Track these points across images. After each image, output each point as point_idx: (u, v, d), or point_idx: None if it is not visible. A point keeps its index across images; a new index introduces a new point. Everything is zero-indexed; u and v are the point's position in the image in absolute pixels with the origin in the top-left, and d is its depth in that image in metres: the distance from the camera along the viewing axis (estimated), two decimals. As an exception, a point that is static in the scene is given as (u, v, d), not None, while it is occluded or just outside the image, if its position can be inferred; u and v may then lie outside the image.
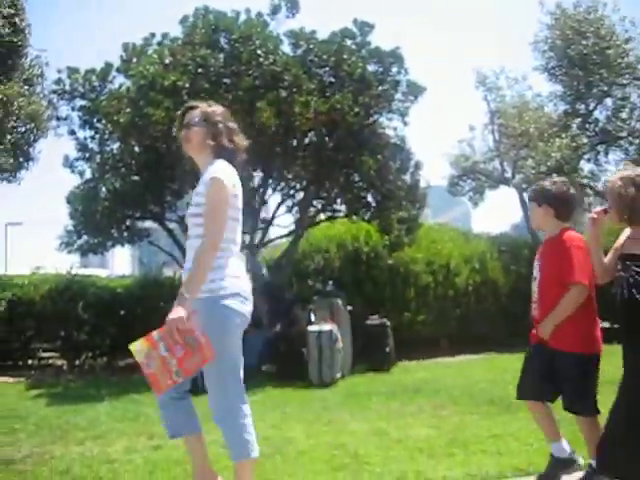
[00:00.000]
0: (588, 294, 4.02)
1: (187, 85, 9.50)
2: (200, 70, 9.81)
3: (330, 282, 10.20)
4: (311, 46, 10.42)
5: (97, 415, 6.97)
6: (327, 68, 10.44)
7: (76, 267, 12.90)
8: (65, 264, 12.61)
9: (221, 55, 10.16)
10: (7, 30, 11.30)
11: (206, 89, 9.65)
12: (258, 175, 11.29)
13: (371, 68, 10.59)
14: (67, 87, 11.99)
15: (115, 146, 11.19)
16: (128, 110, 9.41)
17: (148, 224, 12.25)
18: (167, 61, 9.86)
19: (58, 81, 12.01)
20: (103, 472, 4.83)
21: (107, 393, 8.39)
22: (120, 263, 60.33)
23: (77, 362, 11.41)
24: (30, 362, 11.65)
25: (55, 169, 13.28)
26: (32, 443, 5.81)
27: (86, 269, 21.28)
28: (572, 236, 4.13)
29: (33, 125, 12.00)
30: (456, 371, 9.63)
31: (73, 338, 11.12)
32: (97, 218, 10.74)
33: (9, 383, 9.96)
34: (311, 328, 8.93)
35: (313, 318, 9.17)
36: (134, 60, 11.01)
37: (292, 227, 11.83)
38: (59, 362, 11.72)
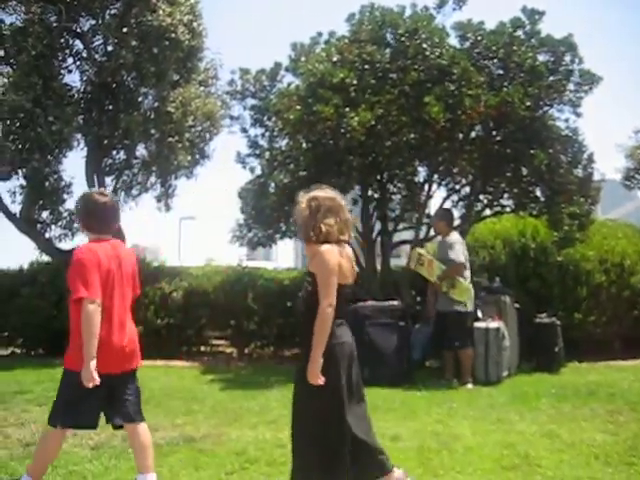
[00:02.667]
0: None
1: (354, 82, 9.63)
2: (367, 66, 9.90)
3: (497, 279, 9.94)
4: (479, 38, 10.20)
5: (268, 401, 7.24)
6: (495, 60, 10.18)
7: (244, 259, 13.48)
8: (233, 256, 13.22)
9: (387, 51, 10.20)
10: (187, 36, 11.99)
11: (372, 85, 9.75)
12: (423, 170, 11.25)
13: (542, 58, 10.19)
14: (239, 87, 12.58)
15: (284, 143, 11.55)
16: (298, 107, 9.67)
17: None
18: (335, 58, 10.04)
19: (231, 82, 12.64)
20: (276, 455, 5.02)
21: (276, 381, 8.70)
22: (283, 256, 62.21)
23: (246, 350, 11.91)
24: (203, 349, 12.30)
25: (228, 166, 13.98)
26: (209, 424, 6.15)
27: (252, 262, 22.12)
28: None
29: (209, 124, 12.71)
30: (632, 375, 9.06)
31: (243, 327, 11.62)
32: (266, 212, 11.14)
33: (185, 367, 10.59)
34: (478, 325, 8.77)
35: (480, 315, 8.99)
36: (302, 59, 11.32)
37: (457, 222, 11.66)
38: (229, 350, 12.29)
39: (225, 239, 12.42)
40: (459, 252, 8.63)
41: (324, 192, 3.87)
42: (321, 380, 3.49)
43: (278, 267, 17.81)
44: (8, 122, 10.98)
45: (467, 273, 8.73)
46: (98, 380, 3.80)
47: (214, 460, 4.92)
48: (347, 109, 9.28)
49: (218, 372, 9.82)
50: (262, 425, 6.12)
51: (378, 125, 9.42)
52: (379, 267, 11.45)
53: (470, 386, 8.25)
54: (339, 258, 3.65)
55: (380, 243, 11.52)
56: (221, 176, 29.77)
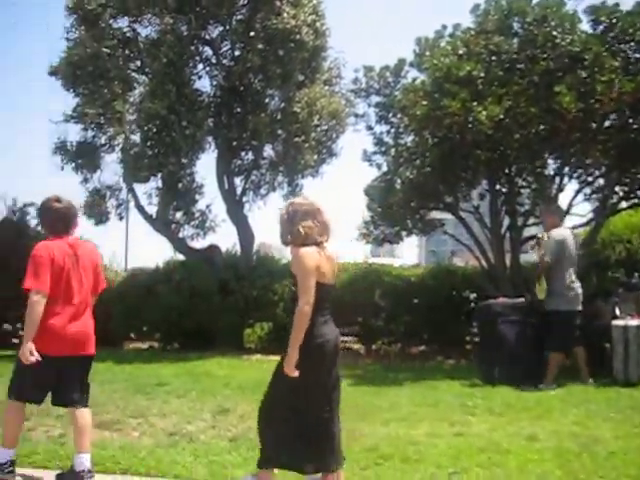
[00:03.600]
0: None
1: (481, 74, 9.43)
2: (494, 58, 9.68)
3: (636, 274, 9.43)
4: (614, 20, 9.70)
5: (398, 399, 7.23)
6: (632, 43, 9.65)
7: (368, 257, 13.52)
8: (357, 254, 13.30)
9: (515, 40, 9.92)
10: (311, 36, 12.18)
11: (500, 77, 9.51)
12: (553, 162, 10.85)
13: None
14: (363, 85, 12.62)
15: (409, 139, 11.49)
16: (424, 103, 9.59)
17: (442, 215, 12.40)
18: (461, 51, 9.88)
19: (355, 80, 12.71)
20: (410, 452, 5.00)
21: (405, 378, 8.67)
22: (408, 252, 61.90)
23: (373, 347, 11.95)
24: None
25: (353, 164, 14.08)
26: (342, 419, 6.20)
27: (376, 259, 22.14)
28: None
29: (334, 122, 12.85)
30: None
31: (370, 324, 11.67)
32: (393, 209, 11.12)
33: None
34: (616, 322, 8.36)
35: (618, 312, 8.56)
36: (427, 53, 11.19)
37: (590, 216, 11.16)
38: (356, 346, 12.37)
39: (350, 236, 12.50)
40: (549, 250, 8.24)
41: (301, 198, 4.18)
42: (295, 373, 3.66)
43: (404, 264, 17.76)
44: (146, 128, 11.57)
45: (569, 272, 8.28)
46: (34, 359, 4.15)
47: (348, 455, 4.92)
48: (474, 103, 9.09)
49: (347, 368, 9.81)
50: (393, 422, 6.11)
51: (506, 118, 9.17)
52: (508, 263, 11.16)
53: (553, 392, 7.76)
54: (318, 259, 3.78)
55: (509, 238, 11.22)
56: (346, 174, 29.97)
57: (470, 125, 9.05)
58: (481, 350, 9.24)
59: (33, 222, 14.01)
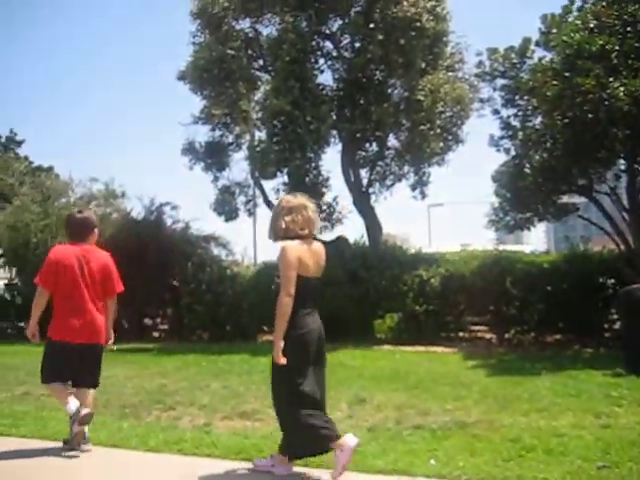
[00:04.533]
0: None
1: (616, 47, 8.96)
2: (629, 29, 9.18)
3: None
4: None
5: (537, 389, 7.02)
6: None
7: (494, 244, 13.19)
8: (484, 241, 13.00)
9: (652, 8, 9.35)
10: (431, 22, 12.01)
11: (637, 49, 9.00)
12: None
13: None
14: (487, 68, 12.34)
15: (538, 121, 11.13)
16: (554, 82, 9.24)
17: (575, 198, 11.92)
18: (592, 25, 9.42)
19: (479, 64, 12.45)
20: (553, 445, 4.83)
21: (542, 367, 8.41)
22: (535, 240, 59.94)
23: (506, 336, 11.65)
24: (462, 334, 12.25)
25: (479, 149, 13.79)
26: (479, 410, 6.11)
27: (504, 246, 21.58)
28: None
29: (459, 108, 12.61)
30: None
31: (502, 312, 11.39)
32: (523, 194, 10.80)
33: (446, 353, 10.62)
34: None
35: None
36: (554, 30, 10.78)
37: None
38: (488, 335, 12.11)
39: (478, 223, 12.28)
40: None
41: (290, 196, 4.34)
42: (283, 360, 3.90)
43: (535, 250, 17.20)
44: (271, 125, 11.82)
45: None
46: (36, 339, 5.03)
47: (489, 446, 4.87)
48: (610, 79, 8.65)
49: (480, 358, 9.71)
50: (534, 412, 5.94)
51: (646, 92, 8.68)
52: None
53: None
54: (300, 252, 3.96)
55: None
56: (473, 160, 29.46)
57: (606, 102, 8.62)
58: (625, 338, 8.79)
59: (169, 221, 14.71)
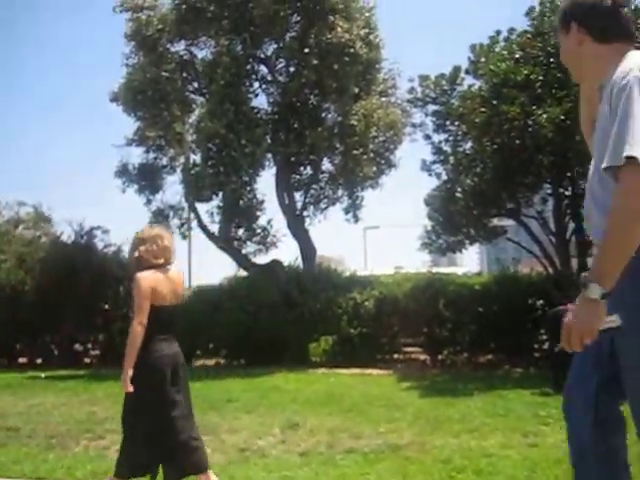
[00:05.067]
0: None
1: (540, 77, 9.31)
2: (552, 60, 9.52)
3: None
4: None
5: (469, 409, 7.13)
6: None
7: (428, 266, 13.42)
8: (418, 264, 13.21)
9: (574, 41, 9.73)
10: (365, 49, 12.23)
11: (559, 79, 9.35)
12: None
13: None
14: (419, 94, 12.59)
15: (468, 146, 11.40)
16: (482, 109, 9.52)
17: (505, 221, 12.24)
18: (517, 55, 9.78)
19: (411, 90, 12.69)
20: (482, 465, 4.90)
21: (474, 388, 8.55)
22: (468, 261, 61.13)
23: (439, 357, 11.82)
24: (396, 356, 12.37)
25: (412, 172, 14.03)
26: (412, 432, 6.15)
27: (437, 268, 21.92)
28: None
29: (392, 133, 12.84)
30: None
31: (435, 334, 11.56)
32: (455, 218, 11.03)
33: (380, 375, 10.69)
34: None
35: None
36: (482, 59, 11.11)
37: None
38: (422, 357, 12.26)
39: (412, 246, 12.49)
40: None
41: (146, 227, 4.53)
42: (130, 388, 3.88)
43: (468, 272, 17.54)
44: (206, 148, 11.78)
45: None
46: None
47: (421, 468, 4.91)
48: (534, 107, 8.98)
49: (414, 379, 9.82)
50: (465, 433, 6.03)
51: (567, 120, 9.01)
52: (575, 268, 10.92)
53: None
54: (153, 282, 4.03)
55: (575, 242, 11.00)
56: (405, 184, 29.97)
57: (530, 129, 8.93)
58: (553, 358, 9.03)
59: (100, 244, 14.44)
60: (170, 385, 3.99)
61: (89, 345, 14.69)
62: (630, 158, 1.92)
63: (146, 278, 4.02)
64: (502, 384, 8.81)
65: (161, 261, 4.15)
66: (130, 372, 3.88)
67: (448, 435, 5.97)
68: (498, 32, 11.27)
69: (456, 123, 11.43)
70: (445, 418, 6.72)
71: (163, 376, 3.97)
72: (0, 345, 13.27)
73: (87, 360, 14.30)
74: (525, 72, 9.27)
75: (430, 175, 12.35)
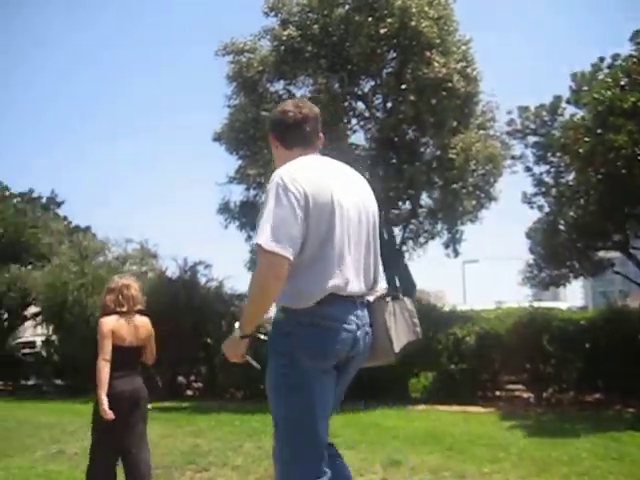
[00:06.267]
0: None
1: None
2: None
3: None
4: None
5: (577, 451, 6.82)
6: None
7: (529, 301, 13.04)
8: (520, 298, 12.87)
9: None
10: (462, 83, 12.17)
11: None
12: None
13: None
14: (519, 126, 12.42)
15: (571, 177, 11.12)
16: (586, 139, 9.26)
17: (611, 253, 11.80)
18: (623, 82, 9.47)
19: (510, 122, 12.53)
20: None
21: (581, 428, 8.21)
22: (572, 295, 58.97)
23: (544, 395, 11.40)
24: (498, 393, 12.02)
25: (513, 205, 13.78)
26: (517, 473, 5.96)
27: (540, 302, 21.27)
28: None
29: (491, 166, 12.66)
30: None
31: (539, 371, 11.17)
32: (558, 251, 10.74)
33: (482, 413, 10.41)
34: None
35: None
36: (585, 88, 10.86)
37: None
38: (525, 394, 11.87)
39: (513, 281, 12.21)
40: None
41: (117, 277, 5.18)
42: (109, 415, 4.49)
43: (572, 307, 16.93)
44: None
45: None
46: None
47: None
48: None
49: (518, 418, 9.50)
50: (574, 476, 5.78)
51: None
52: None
53: None
54: (114, 326, 4.67)
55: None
56: (506, 218, 29.36)
57: (639, 158, 8.61)
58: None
59: (203, 279, 14.86)
60: (123, 420, 4.62)
61: (192, 378, 15.07)
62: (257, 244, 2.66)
63: (107, 322, 4.69)
64: (613, 425, 8.39)
65: (124, 309, 4.78)
66: (104, 399, 4.52)
67: (555, 477, 5.78)
68: (602, 59, 11.04)
69: (558, 154, 11.19)
70: (552, 460, 6.48)
71: (118, 411, 4.55)
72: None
73: (189, 392, 14.66)
74: (632, 99, 8.95)
75: (532, 208, 12.14)
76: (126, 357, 4.72)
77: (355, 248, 2.85)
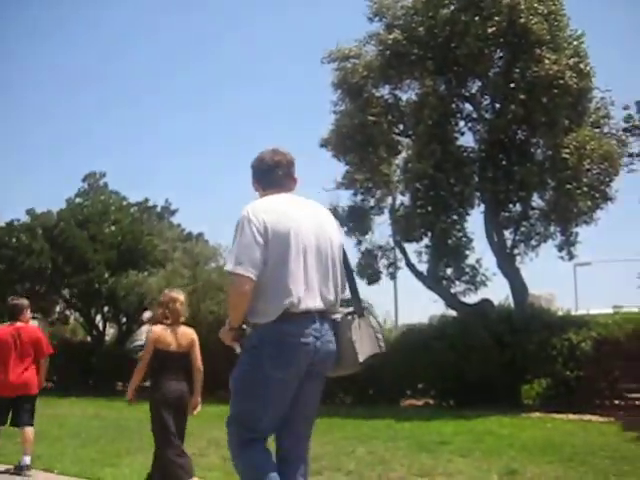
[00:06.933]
0: None
1: None
2: None
3: None
4: None
5: None
6: None
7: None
8: (638, 302, 12.25)
9: None
10: (574, 79, 11.75)
11: None
12: None
13: None
14: (637, 122, 11.87)
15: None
16: None
17: None
18: None
19: (627, 118, 12.00)
20: None
21: None
22: None
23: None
24: (617, 402, 11.53)
25: (630, 205, 13.16)
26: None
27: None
28: None
29: (607, 165, 12.15)
30: None
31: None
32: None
33: (601, 422, 10.01)
34: None
35: None
36: None
37: None
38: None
39: (631, 284, 11.66)
40: None
41: (167, 290, 5.75)
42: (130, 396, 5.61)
43: None
44: (414, 189, 11.93)
45: None
46: None
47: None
48: None
49: (641, 429, 9.08)
50: None
51: None
52: None
53: None
54: (159, 334, 5.35)
55: None
56: (624, 218, 28.07)
57: None
58: None
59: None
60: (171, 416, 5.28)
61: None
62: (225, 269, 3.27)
63: (154, 331, 5.36)
64: None
65: (169, 321, 5.39)
66: (131, 391, 5.59)
67: None
68: None
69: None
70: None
71: (167, 409, 5.26)
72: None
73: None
74: None
75: (652, 207, 11.54)
76: (172, 363, 5.38)
77: (313, 270, 3.23)
